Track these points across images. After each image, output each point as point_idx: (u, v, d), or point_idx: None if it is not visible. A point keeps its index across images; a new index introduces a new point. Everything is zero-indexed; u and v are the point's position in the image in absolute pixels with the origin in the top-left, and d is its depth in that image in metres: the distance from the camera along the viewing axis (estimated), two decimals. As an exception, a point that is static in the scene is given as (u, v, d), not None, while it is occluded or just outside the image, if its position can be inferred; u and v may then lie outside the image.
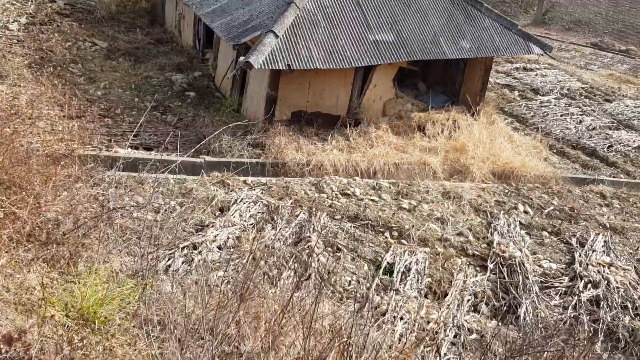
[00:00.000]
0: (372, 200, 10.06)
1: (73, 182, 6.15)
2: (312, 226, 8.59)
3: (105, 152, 9.77)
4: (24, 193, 4.60)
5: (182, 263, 7.06)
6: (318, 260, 7.65)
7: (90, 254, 4.84)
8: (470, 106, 14.34)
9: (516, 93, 19.40)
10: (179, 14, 16.74)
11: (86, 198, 5.91)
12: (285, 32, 11.29)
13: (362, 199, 10.01)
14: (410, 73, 14.71)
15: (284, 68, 11.03)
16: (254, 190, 9.60)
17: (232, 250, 7.73)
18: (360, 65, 11.91)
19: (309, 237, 8.18)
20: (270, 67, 10.92)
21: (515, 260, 8.70)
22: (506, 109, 17.41)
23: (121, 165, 9.06)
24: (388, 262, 8.19)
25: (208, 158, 10.50)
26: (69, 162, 6.32)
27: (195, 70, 15.11)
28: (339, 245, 8.40)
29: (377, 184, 10.60)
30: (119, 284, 4.48)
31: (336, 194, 10.00)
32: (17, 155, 5.07)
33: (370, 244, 8.67)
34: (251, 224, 8.53)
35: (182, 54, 15.92)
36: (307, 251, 7.85)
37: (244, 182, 9.91)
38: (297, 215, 8.88)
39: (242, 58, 10.99)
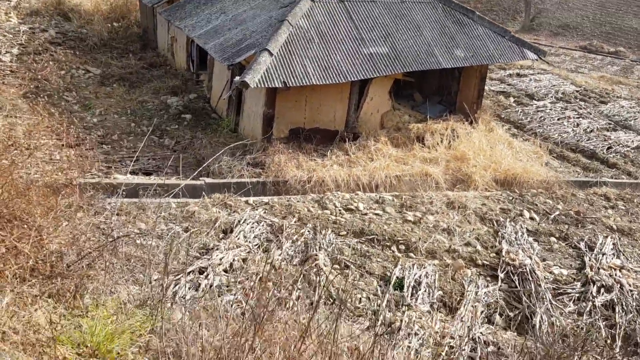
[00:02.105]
0: (376, 214, 9.94)
1: (74, 211, 6.02)
2: (318, 244, 8.45)
3: (105, 179, 9.63)
4: (25, 226, 4.46)
5: (189, 288, 6.90)
6: (326, 279, 7.50)
7: (95, 285, 4.70)
8: (467, 114, 14.30)
9: (511, 99, 19.41)
10: (171, 37, 16.72)
11: (88, 227, 5.77)
12: (279, 50, 11.25)
13: (366, 214, 9.89)
14: (406, 84, 14.70)
15: (280, 86, 10.97)
16: (257, 210, 9.47)
17: (238, 272, 7.57)
18: (355, 79, 11.87)
19: (316, 255, 8.04)
20: (266, 86, 10.86)
21: (525, 268, 8.57)
22: (503, 116, 17.41)
23: (122, 192, 8.97)
24: (397, 277, 8.04)
25: (208, 180, 10.38)
26: (69, 191, 6.19)
27: (190, 93, 15.05)
28: (346, 262, 8.26)
29: (380, 197, 10.48)
30: (127, 315, 4.33)
31: (340, 210, 9.88)
32: (17, 187, 4.94)
33: (378, 259, 8.53)
34: (256, 245, 8.38)
35: (176, 77, 15.87)
36: (314, 270, 7.70)
37: (246, 202, 9.78)
38: (302, 234, 8.74)
39: (237, 78, 10.92)
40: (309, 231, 8.85)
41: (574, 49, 34.05)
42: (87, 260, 4.68)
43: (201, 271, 7.39)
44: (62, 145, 11.10)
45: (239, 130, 13.04)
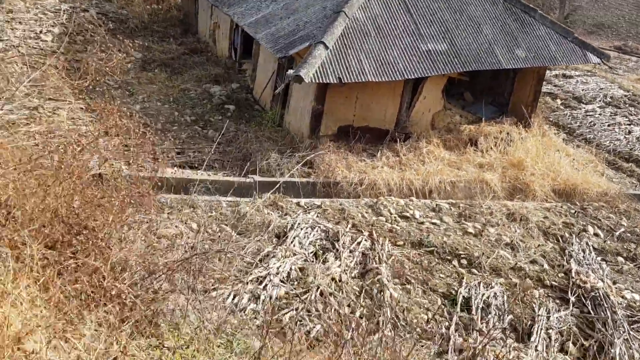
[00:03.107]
0: (434, 223, 9.39)
1: (136, 211, 5.59)
2: (377, 255, 7.95)
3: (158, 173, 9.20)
4: (94, 237, 4.03)
5: (249, 300, 6.45)
6: (390, 296, 7.00)
7: (168, 306, 4.26)
8: (520, 117, 13.62)
9: (559, 101, 18.61)
10: (214, 23, 16.22)
11: (154, 233, 5.34)
12: (335, 43, 10.68)
13: (422, 222, 9.35)
14: (456, 82, 14.05)
15: (335, 81, 10.41)
16: (309, 213, 8.98)
17: (296, 283, 7.10)
18: (413, 77, 11.26)
19: (377, 268, 7.54)
20: (321, 81, 10.31)
21: (598, 292, 7.98)
22: (551, 119, 16.64)
23: (172, 187, 8.57)
24: (464, 296, 7.51)
25: (258, 178, 9.90)
26: (138, 193, 5.76)
27: (232, 82, 14.57)
28: (408, 277, 7.74)
29: (437, 205, 9.93)
30: (206, 344, 3.87)
31: (395, 217, 9.35)
32: (86, 194, 4.50)
33: (441, 275, 8.00)
34: (312, 252, 7.90)
35: (217, 65, 15.40)
36: (377, 285, 7.20)
37: (298, 204, 9.30)
38: (358, 242, 8.24)
39: (290, 71, 10.38)
40: (365, 240, 8.34)
41: (608, 49, 32.81)
42: (159, 279, 4.24)
43: (259, 280, 6.93)
44: (106, 133, 10.72)
45: (284, 124, 12.54)
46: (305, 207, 9.23)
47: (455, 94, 14.46)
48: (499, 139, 12.77)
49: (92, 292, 3.68)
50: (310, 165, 10.71)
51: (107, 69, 7.85)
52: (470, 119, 13.64)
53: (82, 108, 11.19)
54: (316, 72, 10.20)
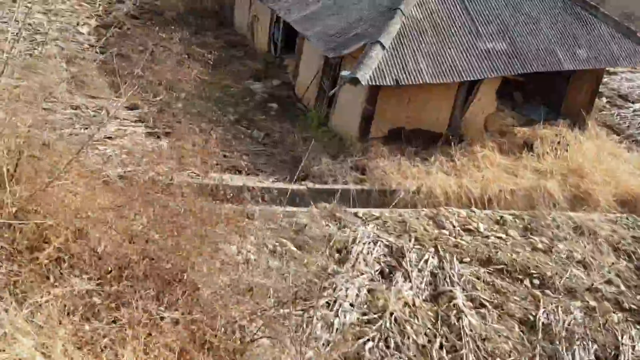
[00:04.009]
0: (499, 237, 8.87)
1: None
2: (448, 275, 7.46)
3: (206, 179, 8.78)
4: (188, 287, 3.62)
5: (321, 327, 6.02)
6: (469, 323, 6.52)
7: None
8: (574, 119, 12.97)
9: (604, 100, 17.82)
10: (253, 16, 15.68)
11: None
12: (391, 43, 10.13)
13: (487, 236, 8.83)
14: (508, 83, 13.41)
15: (392, 83, 9.88)
16: (368, 225, 8.51)
17: (366, 307, 6.65)
18: (472, 78, 10.69)
19: (451, 291, 7.06)
20: (378, 83, 9.78)
21: (684, 319, 7.43)
22: (598, 118, 15.92)
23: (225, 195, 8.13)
24: (543, 323, 7.01)
25: (311, 185, 9.44)
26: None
27: (273, 78, 14.06)
28: (482, 301, 7.25)
29: (501, 217, 9.39)
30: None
31: (458, 230, 8.84)
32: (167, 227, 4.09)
33: (515, 297, 7.49)
34: (377, 271, 7.44)
35: (256, 60, 14.87)
36: (454, 312, 6.72)
37: (355, 214, 8.83)
38: (426, 260, 7.76)
39: (345, 73, 9.87)
40: (432, 257, 7.86)
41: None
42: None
43: (328, 304, 6.49)
44: (152, 134, 10.37)
45: (330, 124, 12.02)
46: (364, 218, 8.75)
47: (504, 94, 13.82)
48: (555, 142, 12.16)
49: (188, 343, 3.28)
50: (362, 171, 10.22)
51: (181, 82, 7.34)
52: (522, 121, 13.03)
53: (126, 107, 10.77)
54: (373, 73, 9.68)
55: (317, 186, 9.45)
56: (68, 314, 3.40)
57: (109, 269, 3.73)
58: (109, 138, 9.87)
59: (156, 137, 10.14)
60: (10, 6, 14.18)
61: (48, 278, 3.62)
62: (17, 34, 7.10)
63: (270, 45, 15.13)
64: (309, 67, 12.94)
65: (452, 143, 11.21)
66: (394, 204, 9.57)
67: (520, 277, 7.98)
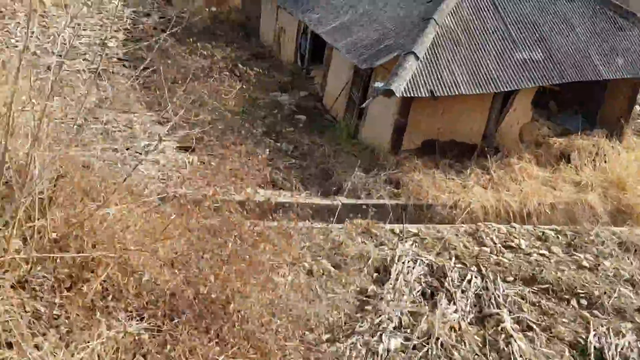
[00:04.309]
0: (542, 255, 8.52)
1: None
2: (492, 296, 7.15)
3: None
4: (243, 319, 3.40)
5: (365, 354, 5.76)
6: (519, 348, 6.20)
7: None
8: (611, 129, 12.55)
9: (638, 108, 17.33)
10: (279, 27, 15.57)
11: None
12: (425, 53, 9.88)
13: (529, 254, 8.49)
14: (544, 91, 13.05)
15: (427, 95, 9.63)
16: (406, 242, 8.23)
17: (409, 331, 6.37)
18: (509, 89, 10.38)
19: (498, 314, 6.75)
20: (413, 95, 9.53)
21: None
22: (634, 128, 15.45)
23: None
24: (595, 347, 6.66)
25: (344, 200, 9.21)
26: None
27: (300, 90, 13.90)
28: (530, 323, 6.92)
29: (542, 233, 9.04)
30: None
31: (499, 247, 8.51)
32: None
33: (564, 319, 7.15)
34: (418, 292, 7.16)
35: (283, 71, 14.74)
36: (502, 336, 6.41)
37: (392, 231, 8.55)
38: (469, 280, 7.46)
39: (378, 84, 9.64)
40: (475, 276, 7.55)
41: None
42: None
43: (371, 330, 6.23)
44: (182, 148, 10.24)
45: (360, 136, 11.79)
46: (401, 234, 8.48)
47: (539, 103, 13.47)
48: (593, 153, 11.78)
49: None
50: (396, 184, 9.97)
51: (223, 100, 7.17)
52: (558, 131, 12.66)
53: (155, 121, 10.69)
54: (407, 85, 9.44)
55: (351, 201, 9.21)
56: (117, 350, 3.21)
57: (156, 301, 3.54)
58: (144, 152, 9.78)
59: (189, 152, 10.01)
60: (40, 20, 14.28)
61: (93, 311, 3.44)
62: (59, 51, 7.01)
63: (296, 57, 14.98)
64: (337, 78, 12.75)
65: (488, 155, 10.90)
66: (430, 219, 9.34)
67: (567, 297, 7.63)
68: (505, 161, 10.97)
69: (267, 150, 10.82)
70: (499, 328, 6.56)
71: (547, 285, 7.74)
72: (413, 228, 8.70)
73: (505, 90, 10.37)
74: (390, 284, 7.08)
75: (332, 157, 10.98)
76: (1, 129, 3.72)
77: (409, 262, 7.65)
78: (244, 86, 10.31)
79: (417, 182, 9.82)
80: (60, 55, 5.01)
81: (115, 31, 14.67)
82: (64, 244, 3.86)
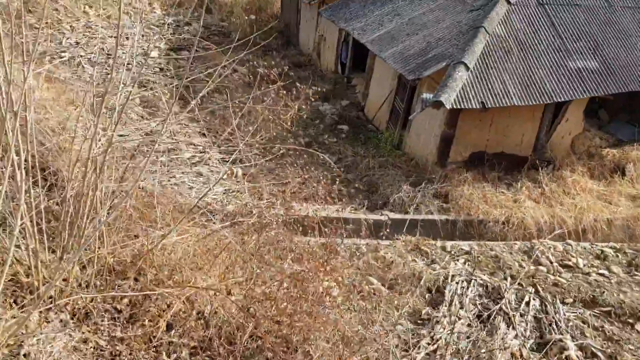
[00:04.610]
0: (601, 274, 8.09)
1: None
2: (553, 320, 6.80)
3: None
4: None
5: (423, 385, 5.50)
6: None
7: None
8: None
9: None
10: (319, 35, 15.42)
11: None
12: (475, 63, 9.57)
13: (588, 273, 8.07)
14: (595, 101, 12.56)
15: (478, 107, 9.31)
16: (458, 260, 7.93)
17: (467, 358, 6.08)
18: (562, 99, 9.97)
19: (561, 340, 6.39)
20: (463, 106, 9.23)
21: None
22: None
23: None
24: (667, 379, 6.25)
25: (392, 215, 8.96)
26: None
27: (342, 99, 13.71)
28: (594, 350, 6.54)
29: (601, 252, 8.61)
30: None
31: (556, 267, 8.12)
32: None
33: (630, 347, 6.74)
34: (474, 314, 6.85)
35: (324, 80, 14.58)
36: (567, 364, 6.07)
37: (443, 248, 8.26)
38: (527, 302, 7.11)
39: (426, 95, 9.37)
40: (533, 298, 7.20)
41: None
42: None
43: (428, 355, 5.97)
44: (227, 161, 10.14)
45: (404, 147, 11.54)
46: (452, 252, 8.18)
47: (589, 112, 12.97)
48: (649, 165, 11.26)
49: None
50: (445, 199, 9.67)
51: (283, 121, 7.02)
52: (611, 142, 12.15)
53: (200, 132, 10.62)
54: (458, 96, 9.14)
55: (399, 216, 8.95)
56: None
57: (220, 338, 3.37)
58: (191, 164, 9.74)
59: (233, 165, 9.91)
60: (83, 31, 14.45)
61: (157, 350, 3.28)
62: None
63: (337, 65, 14.81)
64: (380, 87, 12.52)
65: (539, 167, 10.51)
66: (481, 235, 9.01)
67: (631, 321, 7.20)
68: (557, 174, 10.56)
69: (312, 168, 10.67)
70: (563, 356, 6.21)
71: (609, 308, 7.33)
72: (465, 245, 8.39)
73: (558, 101, 9.96)
74: (445, 305, 6.79)
75: (377, 168, 10.74)
76: (65, 158, 3.61)
77: (462, 282, 7.35)
78: (299, 105, 10.25)
79: (467, 196, 9.50)
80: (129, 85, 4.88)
81: (157, 41, 14.74)
82: (124, 272, 3.73)
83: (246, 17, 17.86)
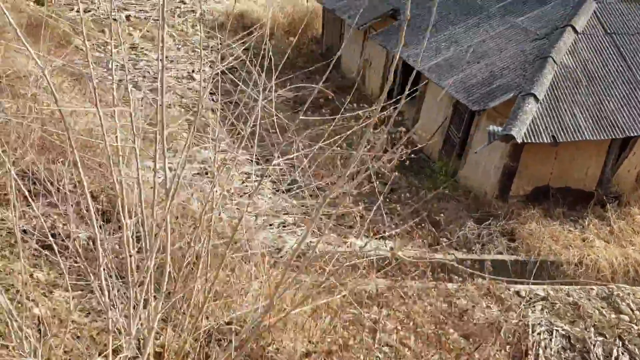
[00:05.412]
0: (689, 324, 7.53)
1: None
2: (648, 379, 6.27)
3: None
4: None
5: None
6: None
7: None
8: None
9: None
10: (364, 60, 15.12)
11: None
12: (545, 95, 9.14)
13: (675, 323, 7.52)
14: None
15: (549, 141, 8.86)
16: (535, 307, 7.43)
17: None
18: (635, 134, 9.47)
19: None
20: (534, 141, 8.79)
21: None
22: None
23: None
24: None
25: (459, 254, 8.50)
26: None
27: (389, 126, 13.32)
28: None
29: (686, 299, 8.04)
30: None
31: (638, 315, 7.58)
32: None
33: None
34: (562, 370, 6.35)
35: (369, 105, 14.22)
36: None
37: (517, 293, 7.77)
38: (616, 357, 6.59)
39: (494, 128, 8.94)
40: (622, 352, 6.67)
41: None
42: None
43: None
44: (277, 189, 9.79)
45: (459, 178, 11.08)
46: (527, 297, 7.68)
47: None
48: None
49: None
50: (510, 235, 9.19)
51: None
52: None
53: (250, 160, 10.30)
54: (528, 130, 8.71)
55: (467, 256, 8.48)
56: None
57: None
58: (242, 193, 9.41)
59: (284, 193, 9.56)
60: (128, 53, 14.31)
61: None
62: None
63: (382, 90, 14.46)
64: (432, 115, 12.12)
65: (606, 203, 9.99)
66: (552, 277, 8.50)
67: None
68: (624, 210, 10.02)
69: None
70: None
71: None
72: (540, 290, 7.89)
73: (631, 135, 9.46)
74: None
75: (435, 201, 10.30)
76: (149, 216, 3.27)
77: (544, 332, 6.86)
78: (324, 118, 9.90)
79: (535, 234, 9.01)
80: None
81: (202, 64, 14.54)
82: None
83: (286, 39, 17.65)
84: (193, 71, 14.03)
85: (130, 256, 2.77)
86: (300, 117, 4.46)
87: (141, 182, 3.06)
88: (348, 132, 5.02)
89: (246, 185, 9.92)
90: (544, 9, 10.95)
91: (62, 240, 3.72)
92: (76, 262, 3.15)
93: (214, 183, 3.50)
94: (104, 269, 2.90)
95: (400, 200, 10.61)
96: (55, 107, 2.85)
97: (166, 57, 14.65)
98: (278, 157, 4.15)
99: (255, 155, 10.86)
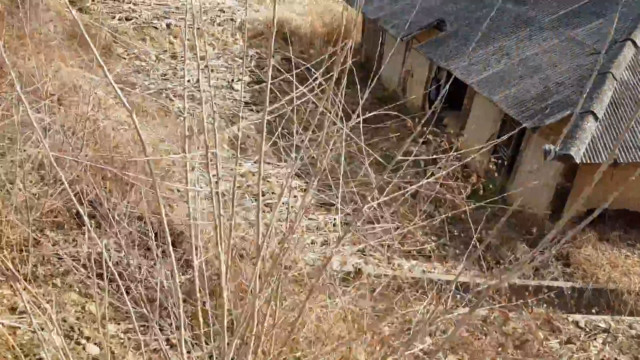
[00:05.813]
0: None
1: None
2: None
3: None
4: None
5: None
6: None
7: None
8: None
9: None
10: (406, 71, 14.79)
11: None
12: (604, 113, 8.69)
13: None
14: None
15: (609, 162, 8.36)
16: (596, 341, 6.99)
17: None
18: (703, 156, 8.92)
19: None
20: (593, 161, 8.34)
21: None
22: None
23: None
24: None
25: (514, 280, 8.07)
26: None
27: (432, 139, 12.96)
28: None
29: None
30: None
31: None
32: None
33: None
34: (631, 413, 5.90)
35: (411, 119, 13.88)
36: None
37: (576, 324, 7.34)
38: (691, 400, 6.11)
39: (550, 147, 8.52)
40: (697, 395, 6.19)
41: None
42: None
43: None
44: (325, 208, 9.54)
45: (508, 196, 10.63)
46: (587, 329, 7.24)
47: None
48: None
49: None
50: (565, 260, 8.74)
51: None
52: None
53: (298, 176, 10.06)
54: (587, 149, 8.27)
55: (521, 282, 8.07)
56: None
57: None
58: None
59: (328, 211, 9.30)
60: (169, 62, 14.27)
61: None
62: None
63: (424, 103, 14.12)
64: (478, 130, 11.71)
65: (666, 227, 9.45)
66: (611, 305, 8.03)
67: None
68: (686, 235, 9.47)
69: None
70: None
71: None
72: (601, 322, 7.44)
73: (699, 157, 8.92)
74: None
75: (482, 221, 9.88)
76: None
77: (609, 369, 6.42)
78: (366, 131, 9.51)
79: (592, 259, 8.55)
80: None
81: (241, 74, 14.42)
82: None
83: (323, 48, 17.42)
84: (232, 80, 13.90)
85: (204, 304, 2.52)
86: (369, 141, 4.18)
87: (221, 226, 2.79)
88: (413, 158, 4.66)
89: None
90: (601, 21, 10.48)
91: (118, 269, 3.50)
92: (136, 303, 2.91)
93: (293, 228, 3.22)
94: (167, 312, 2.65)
95: (446, 218, 10.26)
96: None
97: (206, 66, 14.57)
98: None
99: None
